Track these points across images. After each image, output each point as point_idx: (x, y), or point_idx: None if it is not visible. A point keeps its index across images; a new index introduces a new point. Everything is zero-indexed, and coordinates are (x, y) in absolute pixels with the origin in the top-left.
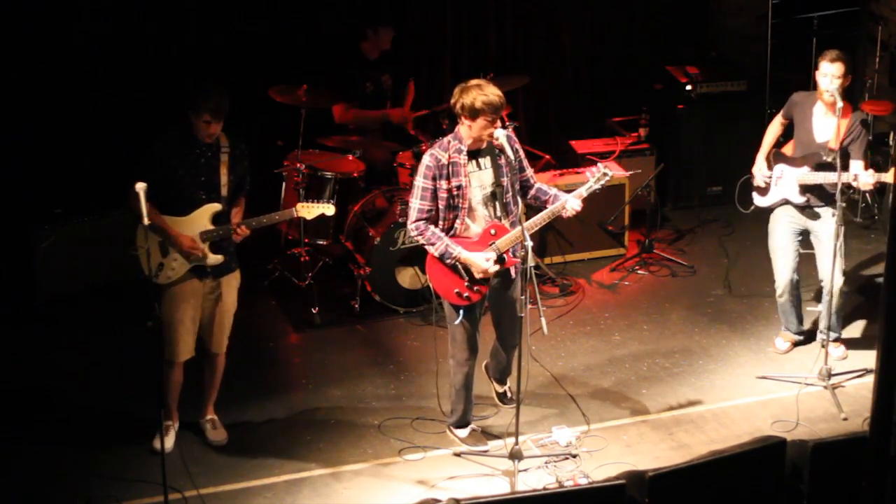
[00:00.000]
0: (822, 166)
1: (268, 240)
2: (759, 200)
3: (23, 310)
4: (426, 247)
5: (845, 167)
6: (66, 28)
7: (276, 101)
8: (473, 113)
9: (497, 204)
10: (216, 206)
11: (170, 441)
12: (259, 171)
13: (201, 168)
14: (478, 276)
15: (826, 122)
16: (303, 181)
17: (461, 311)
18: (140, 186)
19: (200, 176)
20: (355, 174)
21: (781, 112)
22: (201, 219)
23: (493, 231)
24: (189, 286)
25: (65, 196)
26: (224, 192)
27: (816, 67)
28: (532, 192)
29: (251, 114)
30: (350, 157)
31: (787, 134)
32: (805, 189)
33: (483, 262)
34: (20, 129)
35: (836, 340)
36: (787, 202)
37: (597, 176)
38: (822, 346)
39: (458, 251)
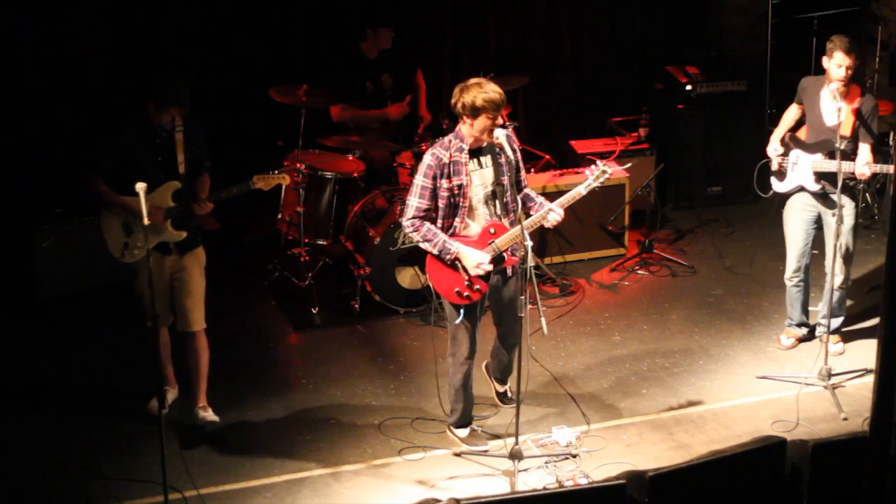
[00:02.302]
0: (834, 154)
1: (268, 240)
2: (777, 186)
3: (23, 310)
4: (422, 244)
5: (855, 155)
6: (65, 27)
7: (276, 101)
8: (475, 111)
9: (497, 203)
10: (175, 185)
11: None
12: (259, 172)
13: (157, 149)
14: (472, 271)
15: (834, 106)
16: (303, 181)
17: (462, 311)
18: (140, 187)
19: (157, 156)
20: (355, 174)
21: (795, 98)
22: (161, 197)
23: (492, 230)
24: (153, 260)
25: (65, 196)
26: (181, 169)
27: (827, 54)
28: (520, 196)
29: (251, 114)
30: (350, 157)
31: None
32: (820, 176)
33: (478, 259)
34: (21, 129)
35: (834, 333)
36: (802, 189)
37: (596, 174)
38: (820, 340)
39: (456, 247)
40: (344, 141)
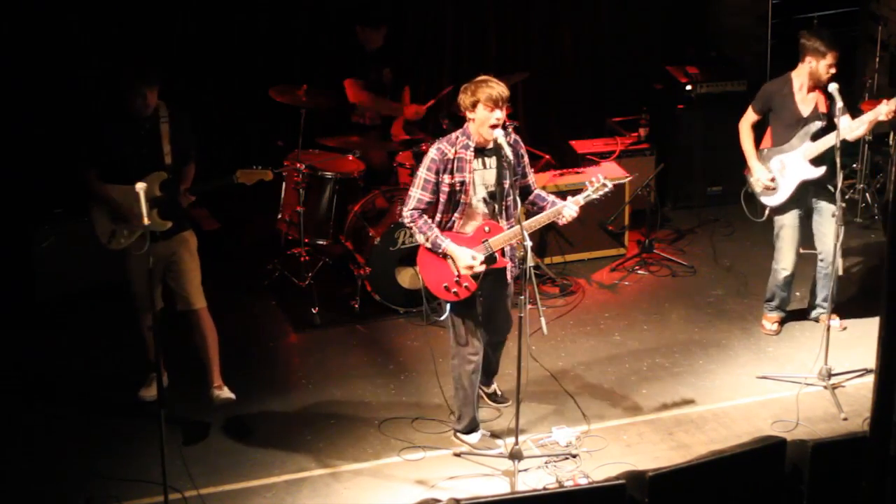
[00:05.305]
0: (819, 133)
1: (268, 240)
2: (771, 201)
3: (23, 310)
4: (416, 234)
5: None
6: (64, 27)
7: (276, 101)
8: (473, 104)
9: (496, 205)
10: (162, 175)
11: (152, 389)
12: (245, 166)
13: (143, 141)
14: (462, 271)
15: (807, 96)
16: (303, 181)
17: (448, 306)
18: (140, 187)
19: (143, 148)
20: (355, 174)
21: (753, 109)
22: (148, 186)
23: (487, 228)
24: (140, 245)
25: (65, 196)
26: (168, 160)
27: (815, 55)
28: (531, 196)
29: (251, 114)
30: (350, 157)
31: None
32: (818, 160)
33: (468, 258)
34: (20, 129)
35: (833, 312)
36: (804, 183)
37: (595, 186)
38: (817, 321)
39: (447, 243)
40: (344, 141)
